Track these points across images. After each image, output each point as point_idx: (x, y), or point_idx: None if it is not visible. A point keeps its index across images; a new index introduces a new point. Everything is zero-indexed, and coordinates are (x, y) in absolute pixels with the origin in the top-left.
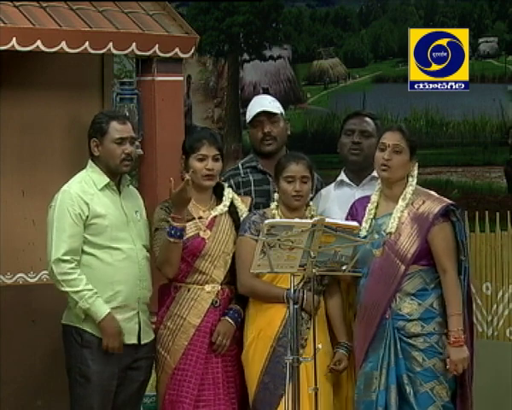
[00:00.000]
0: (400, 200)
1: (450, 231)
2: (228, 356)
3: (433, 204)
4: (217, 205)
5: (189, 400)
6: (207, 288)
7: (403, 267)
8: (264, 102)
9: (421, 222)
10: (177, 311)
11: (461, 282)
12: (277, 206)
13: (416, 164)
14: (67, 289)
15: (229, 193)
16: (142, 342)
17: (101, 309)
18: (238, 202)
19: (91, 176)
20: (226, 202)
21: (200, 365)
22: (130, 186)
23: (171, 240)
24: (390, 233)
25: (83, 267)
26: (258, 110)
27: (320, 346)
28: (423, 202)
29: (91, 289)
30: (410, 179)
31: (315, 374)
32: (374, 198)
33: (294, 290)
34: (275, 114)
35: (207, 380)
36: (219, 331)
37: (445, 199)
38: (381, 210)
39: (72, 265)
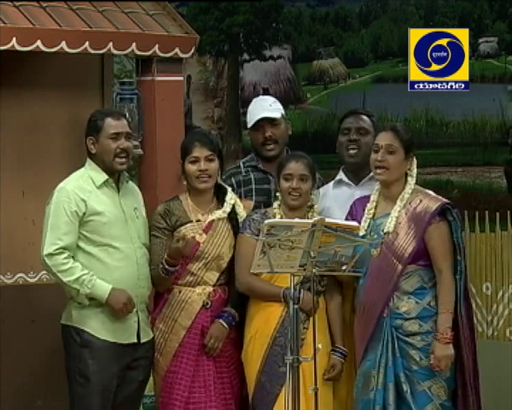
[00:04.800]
0: (398, 200)
1: (447, 230)
2: (223, 357)
3: (430, 203)
4: (217, 208)
5: (179, 402)
6: (198, 290)
7: (400, 267)
8: (265, 105)
9: (418, 221)
10: (169, 313)
11: (456, 282)
12: (279, 205)
13: (415, 162)
14: (66, 279)
15: (231, 199)
16: (142, 341)
17: (103, 289)
18: (240, 208)
19: (89, 173)
20: (227, 208)
21: (191, 367)
22: (130, 182)
23: (162, 275)
24: (388, 233)
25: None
26: (260, 116)
27: (320, 346)
28: (420, 202)
29: (88, 273)
30: (410, 179)
31: (315, 374)
32: (373, 198)
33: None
34: (276, 118)
35: (198, 382)
36: (212, 334)
37: (442, 198)
38: (380, 210)
39: (65, 255)
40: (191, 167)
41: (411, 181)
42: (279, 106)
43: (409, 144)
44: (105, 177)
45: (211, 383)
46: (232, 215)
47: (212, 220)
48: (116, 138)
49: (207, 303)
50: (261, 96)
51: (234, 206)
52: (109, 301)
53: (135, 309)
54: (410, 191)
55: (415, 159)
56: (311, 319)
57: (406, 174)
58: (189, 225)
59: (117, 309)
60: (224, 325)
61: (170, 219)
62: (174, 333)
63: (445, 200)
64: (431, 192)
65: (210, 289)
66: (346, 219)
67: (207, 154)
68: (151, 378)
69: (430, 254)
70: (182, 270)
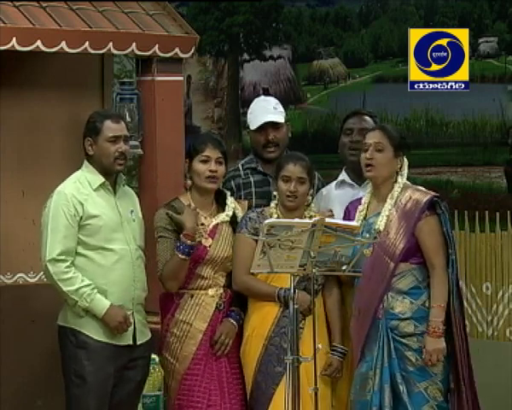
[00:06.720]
0: (388, 198)
1: (437, 224)
2: (233, 358)
3: (419, 198)
4: (218, 212)
5: (202, 404)
6: (210, 292)
7: (392, 265)
8: (269, 108)
9: (409, 217)
10: (183, 317)
11: (448, 275)
12: (276, 205)
13: (406, 163)
14: (65, 288)
15: (231, 202)
16: (138, 343)
17: (101, 305)
18: (239, 211)
19: (86, 176)
20: (229, 211)
21: (210, 369)
22: (126, 186)
23: (182, 257)
24: (379, 231)
25: (76, 269)
26: (265, 120)
27: (320, 346)
28: (410, 198)
29: (89, 285)
30: (399, 178)
31: (315, 374)
32: (365, 199)
33: (286, 290)
34: (280, 122)
35: (214, 384)
36: (222, 331)
37: (431, 192)
38: (371, 210)
39: (67, 263)
40: (201, 167)
41: (401, 180)
42: (281, 108)
43: (398, 143)
44: (102, 179)
45: (224, 385)
46: (233, 218)
47: (217, 224)
48: (115, 142)
49: (221, 305)
50: (263, 97)
51: (234, 209)
52: (105, 318)
53: (130, 311)
54: (399, 190)
55: (406, 160)
56: (308, 319)
57: (397, 174)
58: None
59: (112, 327)
60: (234, 323)
61: (177, 220)
62: (191, 337)
63: (433, 193)
64: (421, 187)
65: (221, 290)
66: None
67: (218, 156)
68: (151, 379)
69: (422, 249)
70: (191, 274)
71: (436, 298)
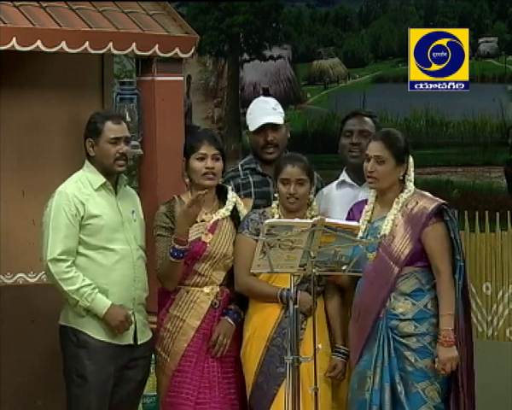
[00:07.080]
0: (394, 203)
1: (444, 230)
2: (227, 357)
3: (426, 204)
4: (219, 208)
5: (190, 401)
6: (206, 290)
7: (396, 269)
8: (268, 109)
9: (415, 223)
10: (177, 313)
11: (455, 282)
12: (278, 205)
13: (412, 166)
14: (66, 288)
15: (232, 197)
16: (139, 343)
17: (102, 305)
18: (240, 206)
19: (87, 176)
20: (229, 206)
21: (200, 367)
22: (127, 186)
23: (173, 260)
24: (384, 236)
25: (77, 269)
26: (264, 122)
27: (320, 346)
28: (417, 203)
29: (89, 285)
30: (408, 184)
31: (315, 374)
32: (371, 201)
33: (288, 291)
34: (279, 123)
35: (204, 382)
36: (219, 331)
37: (438, 199)
38: (376, 214)
39: (69, 263)
40: (198, 164)
41: (410, 186)
42: (280, 109)
43: (400, 152)
44: (103, 180)
45: (215, 384)
46: (234, 213)
47: (217, 220)
48: (116, 143)
49: (216, 303)
50: (262, 98)
51: (235, 204)
52: (106, 318)
53: (131, 311)
54: (406, 196)
55: (412, 163)
56: (309, 319)
57: (404, 178)
58: (194, 225)
59: (113, 326)
60: (231, 321)
61: (175, 219)
62: (182, 334)
63: (441, 200)
64: (427, 193)
65: (217, 288)
66: None
67: (215, 152)
68: (151, 379)
69: (428, 255)
70: (188, 270)
71: (445, 306)
